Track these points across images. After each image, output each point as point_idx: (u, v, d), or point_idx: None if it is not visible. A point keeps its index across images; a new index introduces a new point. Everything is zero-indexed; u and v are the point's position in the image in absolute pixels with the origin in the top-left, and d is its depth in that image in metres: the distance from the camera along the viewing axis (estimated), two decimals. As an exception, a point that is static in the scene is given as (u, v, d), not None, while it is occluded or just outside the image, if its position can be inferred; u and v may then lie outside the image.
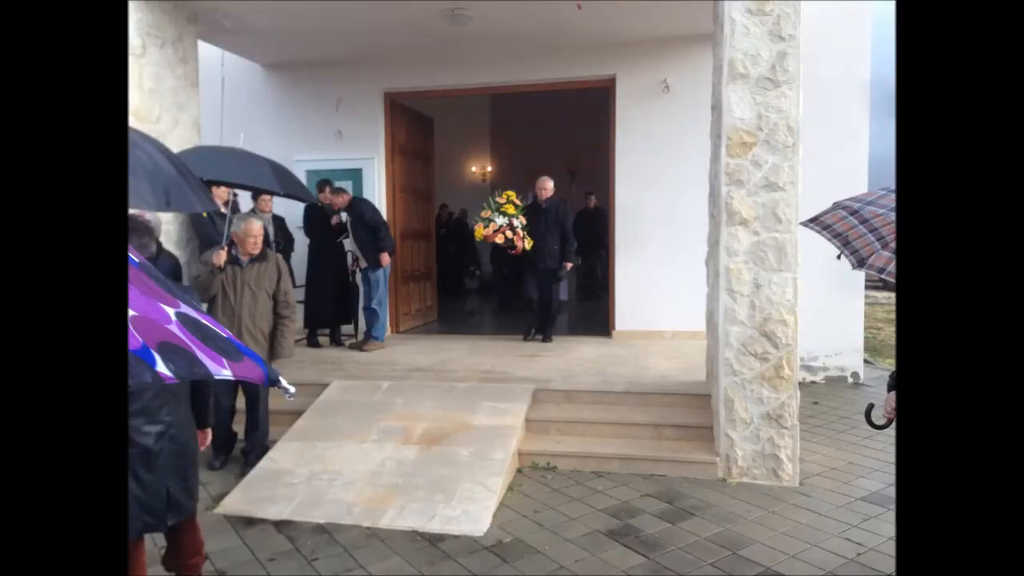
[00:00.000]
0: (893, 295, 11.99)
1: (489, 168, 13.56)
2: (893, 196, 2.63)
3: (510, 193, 7.11)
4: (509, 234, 6.91)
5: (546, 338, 7.28)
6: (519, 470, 4.70)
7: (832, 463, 4.81)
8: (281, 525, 3.94)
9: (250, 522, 3.99)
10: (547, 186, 7.15)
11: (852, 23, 6.90)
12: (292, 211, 7.05)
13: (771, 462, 4.49)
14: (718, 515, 4.01)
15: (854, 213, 2.69)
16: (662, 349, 6.82)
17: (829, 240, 2.74)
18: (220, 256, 4.58)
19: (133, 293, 1.74)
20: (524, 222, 6.97)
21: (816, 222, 2.82)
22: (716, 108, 4.66)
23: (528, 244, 6.95)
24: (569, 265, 7.30)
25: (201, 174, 3.75)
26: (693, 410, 5.10)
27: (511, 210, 6.94)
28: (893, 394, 2.59)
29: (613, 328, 7.55)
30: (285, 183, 4.87)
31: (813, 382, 7.09)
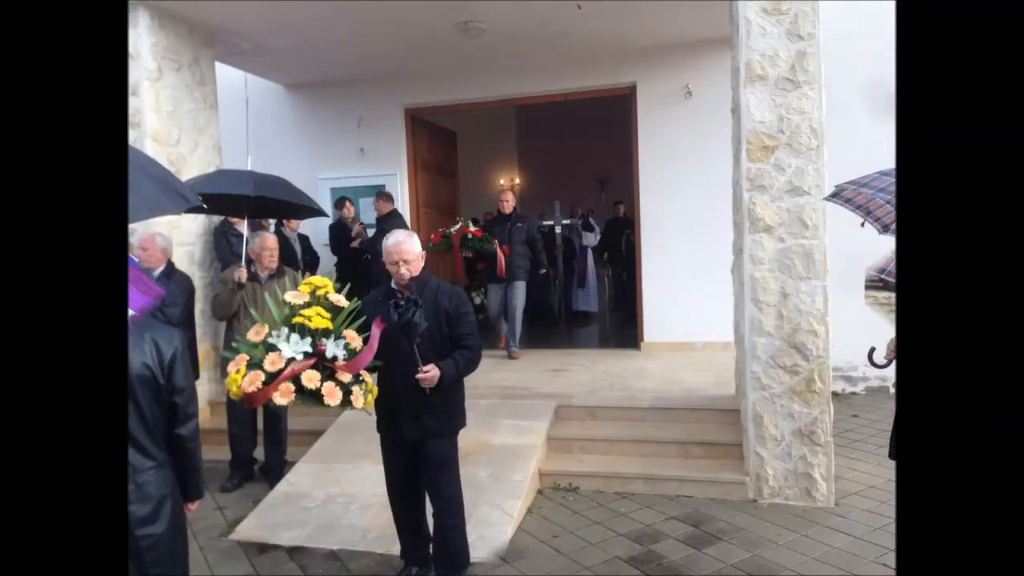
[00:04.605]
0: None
1: (517, 180, 13.49)
2: (889, 175, 2.81)
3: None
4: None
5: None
6: (539, 491, 4.55)
7: (871, 481, 4.56)
8: (294, 552, 3.87)
9: (263, 548, 3.92)
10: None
11: (853, 23, 6.63)
12: (316, 230, 7.12)
13: (804, 481, 4.27)
14: (746, 539, 3.81)
15: (864, 186, 2.79)
16: (692, 362, 6.62)
17: (852, 211, 2.86)
18: (241, 272, 4.60)
19: (133, 293, 1.82)
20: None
21: (837, 197, 2.96)
22: (735, 112, 4.49)
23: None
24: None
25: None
26: (722, 426, 4.89)
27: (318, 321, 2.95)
28: (893, 337, 2.77)
29: (641, 340, 7.36)
30: (270, 189, 4.68)
31: (853, 393, 6.80)
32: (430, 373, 3.02)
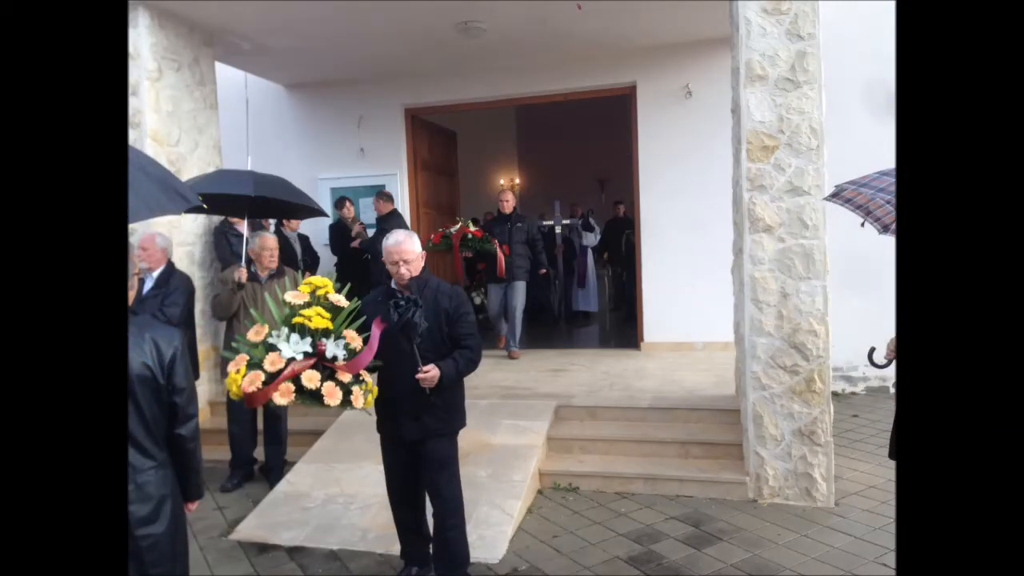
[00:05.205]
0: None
1: (517, 180, 13.48)
2: (889, 176, 2.82)
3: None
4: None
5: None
6: (539, 491, 4.55)
7: (871, 481, 4.56)
8: (294, 552, 3.86)
9: (263, 548, 3.92)
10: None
11: (853, 23, 6.62)
12: (316, 230, 7.11)
13: (804, 481, 4.26)
14: (746, 539, 3.80)
15: (864, 186, 2.79)
16: (692, 362, 6.61)
17: (852, 211, 2.88)
18: (242, 272, 4.61)
19: None
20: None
21: (837, 197, 2.97)
22: (735, 112, 4.49)
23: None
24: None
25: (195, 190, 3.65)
26: (722, 426, 4.89)
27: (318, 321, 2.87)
28: (893, 337, 2.75)
29: (642, 340, 7.36)
30: (270, 189, 4.67)
31: (853, 393, 6.80)
32: (430, 373, 3.02)
